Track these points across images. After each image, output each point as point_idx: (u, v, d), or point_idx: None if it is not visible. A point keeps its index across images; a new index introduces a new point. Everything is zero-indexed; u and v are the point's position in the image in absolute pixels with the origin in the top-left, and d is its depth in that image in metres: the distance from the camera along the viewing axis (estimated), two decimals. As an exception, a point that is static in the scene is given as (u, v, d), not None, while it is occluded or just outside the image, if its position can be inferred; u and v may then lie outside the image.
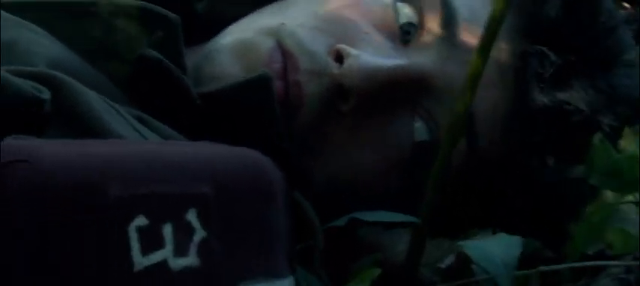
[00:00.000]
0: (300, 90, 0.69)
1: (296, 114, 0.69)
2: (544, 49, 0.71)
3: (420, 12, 0.73)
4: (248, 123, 0.67)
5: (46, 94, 0.52)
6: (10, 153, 0.44)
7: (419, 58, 0.71)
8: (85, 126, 0.53)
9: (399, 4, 0.73)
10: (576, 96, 0.71)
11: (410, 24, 0.72)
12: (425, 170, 0.65)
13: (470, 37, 0.71)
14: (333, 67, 0.68)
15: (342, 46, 0.69)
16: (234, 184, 0.50)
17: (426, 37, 0.72)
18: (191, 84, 0.66)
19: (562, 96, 0.70)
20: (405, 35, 0.72)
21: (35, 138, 0.49)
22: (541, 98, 0.70)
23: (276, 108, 0.66)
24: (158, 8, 0.68)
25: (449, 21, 0.72)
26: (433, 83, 0.71)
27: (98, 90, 0.58)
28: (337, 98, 0.69)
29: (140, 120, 0.60)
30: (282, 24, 0.71)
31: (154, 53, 0.64)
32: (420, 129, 0.71)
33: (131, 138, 0.56)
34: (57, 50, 0.63)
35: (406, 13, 0.73)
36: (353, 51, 0.68)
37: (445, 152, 0.59)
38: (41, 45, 0.63)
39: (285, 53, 0.69)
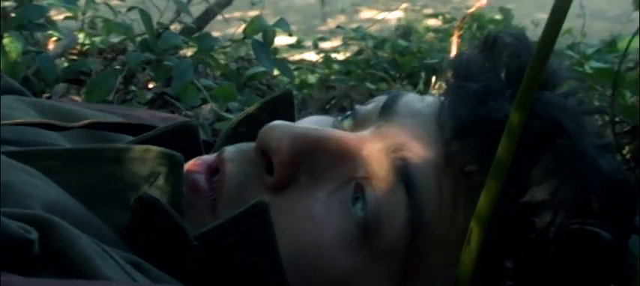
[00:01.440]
0: (224, 166, 0.71)
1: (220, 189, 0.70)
2: None
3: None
4: (247, 259, 0.65)
5: (33, 235, 0.52)
6: None
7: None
8: (74, 268, 0.53)
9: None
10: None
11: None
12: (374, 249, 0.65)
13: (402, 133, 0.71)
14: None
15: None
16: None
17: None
18: (188, 227, 0.64)
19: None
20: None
21: (22, 277, 0.49)
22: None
23: (273, 237, 0.64)
24: (162, 149, 0.68)
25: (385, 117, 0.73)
26: (363, 157, 0.70)
27: (94, 235, 0.58)
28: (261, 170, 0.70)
29: (136, 266, 0.59)
30: None
31: (151, 195, 0.63)
32: (356, 206, 0.69)
33: (120, 281, 0.55)
34: (53, 194, 0.63)
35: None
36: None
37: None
38: (37, 188, 0.62)
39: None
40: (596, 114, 0.85)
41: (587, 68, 1.30)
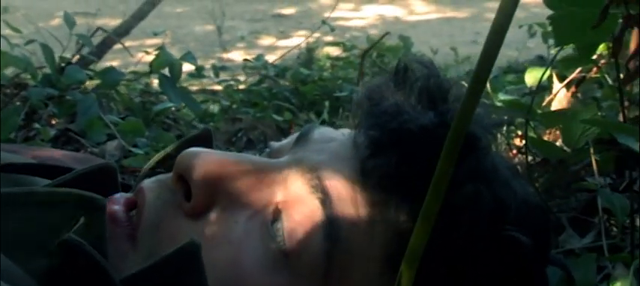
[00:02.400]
0: (143, 195, 0.70)
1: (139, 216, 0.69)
2: None
3: None
4: None
5: None
6: None
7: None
8: None
9: None
10: None
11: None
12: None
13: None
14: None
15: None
16: None
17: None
18: (113, 271, 0.62)
19: None
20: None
21: None
22: None
23: (205, 280, 0.63)
24: (84, 193, 0.66)
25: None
26: (280, 181, 0.71)
27: (15, 282, 0.56)
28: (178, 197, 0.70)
29: None
30: None
31: (75, 238, 0.62)
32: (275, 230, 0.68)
33: None
34: None
35: None
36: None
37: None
38: None
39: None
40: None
41: (496, 101, 1.33)
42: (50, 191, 0.68)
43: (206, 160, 0.70)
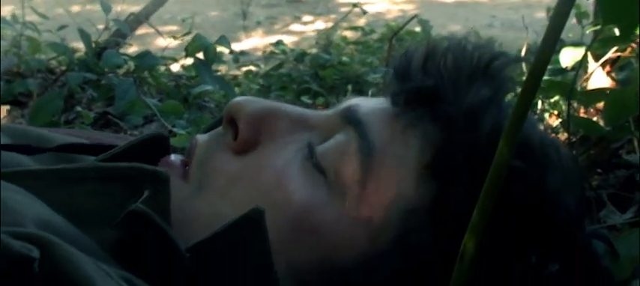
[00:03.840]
0: (195, 143, 0.76)
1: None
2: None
3: None
4: (240, 268, 0.65)
5: (35, 253, 0.52)
6: None
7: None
8: None
9: None
10: None
11: None
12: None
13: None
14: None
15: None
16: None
17: None
18: (178, 240, 0.64)
19: None
20: None
21: None
22: None
23: (268, 245, 0.65)
24: (147, 166, 0.68)
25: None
26: (319, 124, 0.75)
27: (86, 252, 0.57)
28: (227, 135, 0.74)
29: (128, 282, 0.59)
30: None
31: (143, 208, 0.63)
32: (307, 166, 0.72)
33: None
34: (44, 212, 0.63)
35: None
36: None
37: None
38: (27, 206, 0.62)
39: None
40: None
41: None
42: (115, 165, 0.70)
43: (253, 103, 0.75)
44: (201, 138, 0.77)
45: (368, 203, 0.70)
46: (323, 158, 0.72)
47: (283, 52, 3.97)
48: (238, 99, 0.77)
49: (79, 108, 1.82)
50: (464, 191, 0.68)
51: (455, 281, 0.56)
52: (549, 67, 2.08)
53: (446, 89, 0.73)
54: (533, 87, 0.48)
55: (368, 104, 0.76)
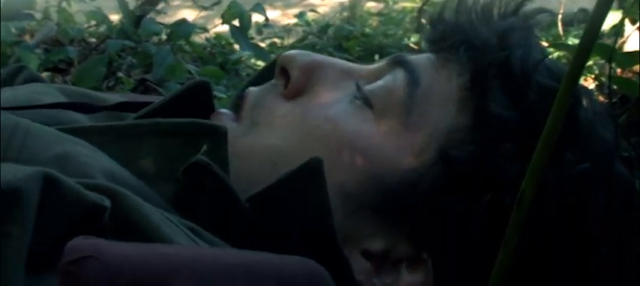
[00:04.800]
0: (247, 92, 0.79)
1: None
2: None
3: None
4: (299, 217, 0.67)
5: (107, 202, 0.54)
6: (79, 250, 0.47)
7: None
8: (142, 235, 0.55)
9: None
10: None
11: None
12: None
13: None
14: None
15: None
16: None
17: None
18: (238, 191, 0.66)
19: None
20: None
21: (101, 239, 0.51)
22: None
23: (326, 194, 0.67)
24: (206, 121, 0.71)
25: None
26: (367, 72, 0.78)
27: (150, 203, 0.60)
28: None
29: (193, 231, 0.61)
30: None
31: (204, 159, 0.65)
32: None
33: (190, 245, 0.58)
34: (109, 164, 0.65)
35: None
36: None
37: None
38: (94, 158, 0.65)
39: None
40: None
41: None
42: (174, 121, 0.72)
43: (304, 54, 0.79)
44: (253, 88, 0.80)
45: (413, 126, 0.73)
46: (371, 94, 0.75)
47: (307, 23, 3.99)
48: (290, 51, 0.80)
49: (120, 74, 1.85)
50: (500, 104, 0.72)
51: (512, 226, 0.59)
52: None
53: (478, 23, 0.78)
54: (588, 47, 0.51)
55: (410, 54, 0.80)
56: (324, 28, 3.81)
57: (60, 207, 0.52)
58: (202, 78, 0.90)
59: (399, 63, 0.77)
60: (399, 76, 0.76)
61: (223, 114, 0.78)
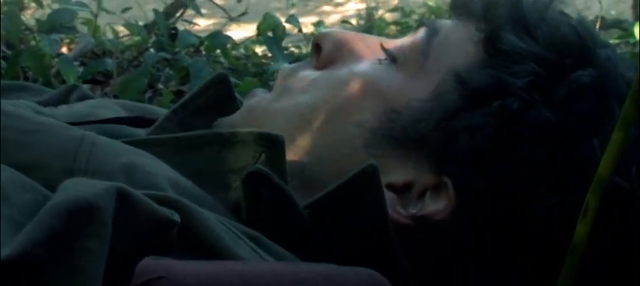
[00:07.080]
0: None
1: None
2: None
3: None
4: (357, 223, 0.69)
5: (176, 217, 0.55)
6: (150, 270, 0.48)
7: None
8: (207, 248, 0.56)
9: None
10: None
11: None
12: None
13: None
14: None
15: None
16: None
17: None
18: (298, 199, 0.68)
19: None
20: None
21: (171, 259, 0.52)
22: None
23: (383, 199, 0.69)
24: (263, 130, 0.72)
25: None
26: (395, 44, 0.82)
27: (213, 212, 0.62)
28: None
29: (255, 241, 0.63)
30: None
31: (263, 169, 0.66)
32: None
33: (256, 261, 0.59)
34: (172, 174, 0.67)
35: None
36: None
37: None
38: (159, 167, 0.66)
39: None
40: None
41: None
42: (233, 131, 0.74)
43: (338, 31, 0.85)
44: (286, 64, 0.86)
45: (430, 67, 0.77)
46: (394, 49, 0.79)
47: (324, 32, 3.99)
48: (325, 29, 0.87)
49: (160, 86, 1.87)
50: (513, 35, 0.76)
51: (578, 235, 0.60)
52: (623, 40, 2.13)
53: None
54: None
55: None
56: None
57: (133, 222, 0.53)
58: (220, 71, 0.95)
59: (422, 24, 0.82)
60: (420, 33, 0.80)
61: (258, 90, 0.85)
